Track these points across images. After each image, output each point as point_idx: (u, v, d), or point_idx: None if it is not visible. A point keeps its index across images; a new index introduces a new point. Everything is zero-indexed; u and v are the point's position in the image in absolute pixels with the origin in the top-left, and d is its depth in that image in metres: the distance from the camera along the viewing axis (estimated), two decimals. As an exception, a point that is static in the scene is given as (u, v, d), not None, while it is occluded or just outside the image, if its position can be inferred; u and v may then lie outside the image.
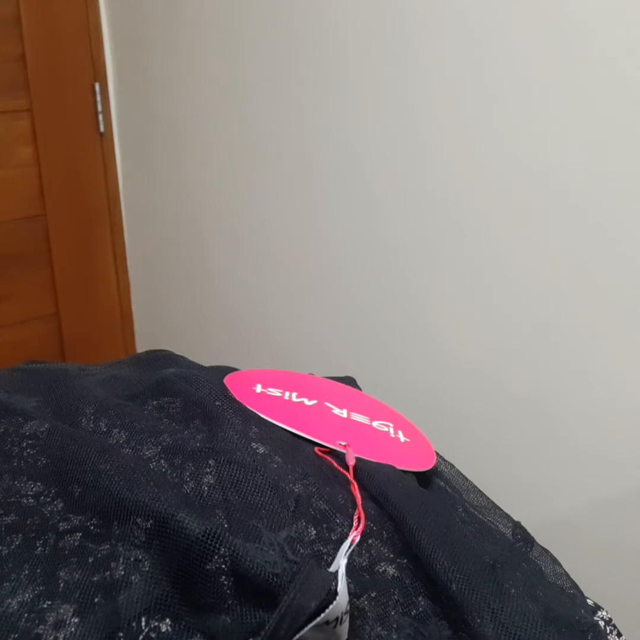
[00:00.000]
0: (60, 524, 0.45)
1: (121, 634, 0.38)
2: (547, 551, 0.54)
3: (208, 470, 0.48)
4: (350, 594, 0.41)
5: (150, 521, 0.43)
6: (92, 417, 0.55)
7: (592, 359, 0.78)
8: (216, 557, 0.40)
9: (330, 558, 0.45)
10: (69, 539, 0.44)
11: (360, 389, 0.71)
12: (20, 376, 0.63)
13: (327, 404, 0.63)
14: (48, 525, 0.45)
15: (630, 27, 0.67)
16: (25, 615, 0.39)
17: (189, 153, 1.25)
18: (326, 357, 1.10)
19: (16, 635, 0.38)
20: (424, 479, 0.57)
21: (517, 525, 0.55)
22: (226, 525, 0.44)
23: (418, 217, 0.91)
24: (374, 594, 0.44)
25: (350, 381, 0.72)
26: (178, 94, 1.23)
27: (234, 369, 0.67)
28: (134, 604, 0.40)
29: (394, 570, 0.45)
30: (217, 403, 0.57)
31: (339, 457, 0.55)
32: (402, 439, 0.61)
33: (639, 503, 0.79)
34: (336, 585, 0.39)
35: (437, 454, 0.62)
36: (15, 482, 0.48)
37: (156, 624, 0.39)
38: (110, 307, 1.52)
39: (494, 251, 0.84)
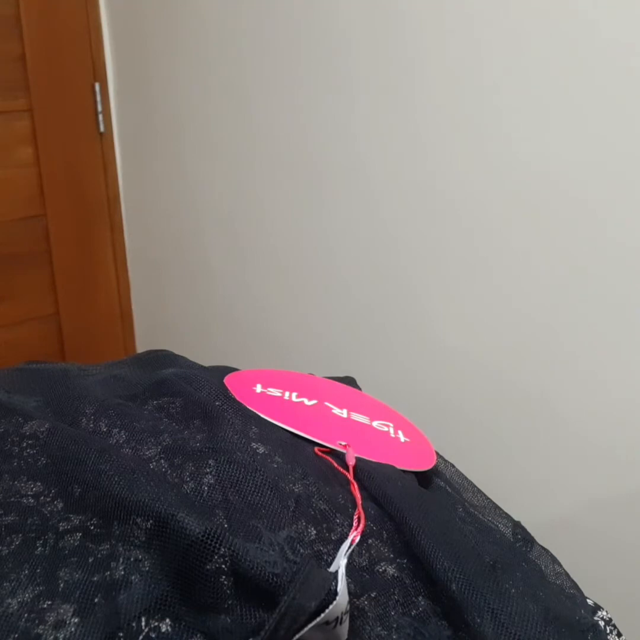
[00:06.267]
0: (60, 524, 0.45)
1: (121, 634, 0.38)
2: (547, 551, 0.54)
3: (208, 470, 0.48)
4: (350, 594, 0.41)
5: (150, 521, 0.43)
6: (92, 417, 0.55)
7: (597, 358, 0.78)
8: (216, 557, 0.40)
9: (330, 558, 0.45)
10: (69, 539, 0.44)
11: (360, 389, 0.71)
12: (20, 376, 0.63)
13: (327, 404, 0.63)
14: (48, 525, 0.45)
15: (635, 23, 0.67)
16: (25, 615, 0.39)
17: (189, 153, 1.25)
18: (326, 357, 1.10)
19: (16, 635, 0.38)
20: (424, 478, 0.57)
21: (517, 525, 0.55)
22: (226, 525, 0.44)
23: (420, 215, 0.91)
24: (374, 594, 0.44)
25: (350, 381, 0.72)
26: (178, 93, 1.23)
27: (234, 369, 0.67)
28: (134, 604, 0.40)
29: (394, 570, 0.45)
30: (217, 403, 0.57)
31: (339, 457, 0.55)
32: (402, 439, 0.61)
33: None
34: (336, 585, 0.39)
35: (437, 453, 0.62)
36: (15, 482, 0.48)
37: (156, 624, 0.39)
38: (110, 307, 1.52)
39: (498, 249, 0.84)
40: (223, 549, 0.40)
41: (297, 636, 0.37)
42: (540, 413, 0.85)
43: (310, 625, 0.37)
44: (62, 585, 0.41)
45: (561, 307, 0.79)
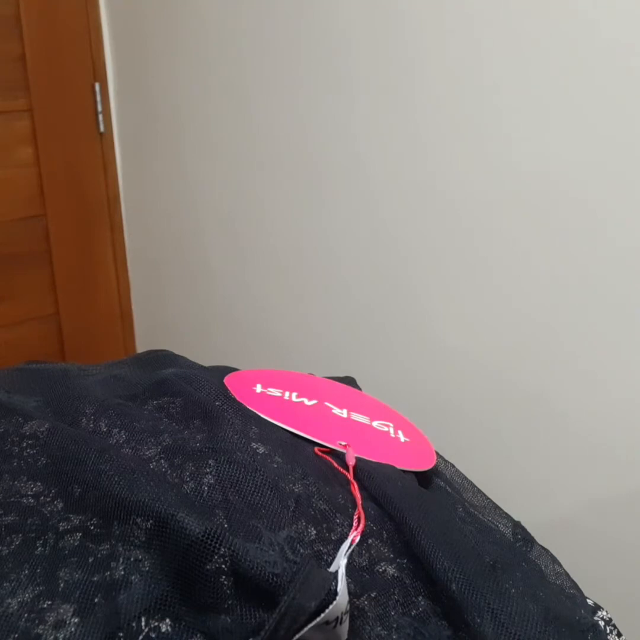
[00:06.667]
0: (60, 524, 0.45)
1: (121, 634, 0.38)
2: (547, 551, 0.54)
3: (208, 470, 0.48)
4: (350, 594, 0.41)
5: (150, 521, 0.43)
6: (92, 417, 0.55)
7: (597, 358, 0.78)
8: (216, 557, 0.40)
9: (330, 558, 0.45)
10: (69, 539, 0.44)
11: (360, 389, 0.71)
12: (20, 376, 0.63)
13: (327, 404, 0.63)
14: (48, 525, 0.45)
15: (635, 23, 0.67)
16: (25, 615, 0.39)
17: (189, 153, 1.25)
18: (326, 357, 1.10)
19: (16, 635, 0.38)
20: (424, 478, 0.57)
21: (517, 525, 0.55)
22: (226, 525, 0.44)
23: (420, 216, 0.91)
24: (374, 594, 0.44)
25: (350, 381, 0.72)
26: (178, 93, 1.23)
27: (234, 369, 0.67)
28: (134, 604, 0.40)
29: (394, 570, 0.45)
30: (217, 403, 0.57)
31: (339, 457, 0.55)
32: (402, 438, 0.61)
33: None
34: (336, 585, 0.39)
35: (437, 453, 0.62)
36: (15, 482, 0.48)
37: (156, 624, 0.39)
38: (110, 307, 1.52)
39: (498, 249, 0.84)
40: (223, 549, 0.40)
41: (297, 636, 0.37)
42: (540, 413, 0.85)
43: (310, 625, 0.37)
44: (62, 585, 0.41)
45: (561, 307, 0.79)
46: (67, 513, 0.46)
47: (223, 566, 0.40)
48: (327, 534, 0.46)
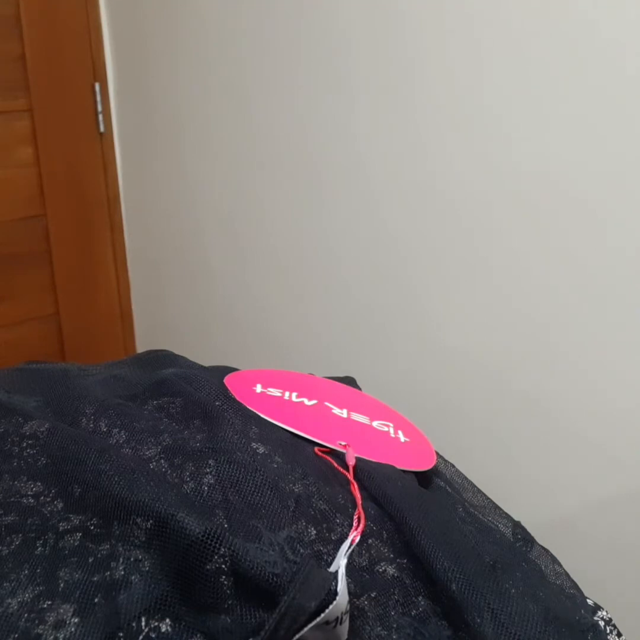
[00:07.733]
0: (60, 524, 0.45)
1: (121, 634, 0.38)
2: (547, 551, 0.54)
3: (208, 470, 0.48)
4: (350, 594, 0.41)
5: (150, 521, 0.43)
6: (92, 417, 0.55)
7: (597, 358, 0.78)
8: (216, 557, 0.40)
9: (330, 558, 0.45)
10: (69, 539, 0.44)
11: (360, 389, 0.71)
12: (20, 376, 0.63)
13: (327, 404, 0.63)
14: (48, 525, 0.45)
15: (635, 23, 0.67)
16: (25, 615, 0.39)
17: (189, 153, 1.25)
18: (326, 357, 1.10)
19: (16, 635, 0.38)
20: (424, 478, 0.57)
21: (517, 525, 0.55)
22: (226, 525, 0.44)
23: (420, 216, 0.91)
24: (374, 594, 0.44)
25: (350, 381, 0.72)
26: (178, 93, 1.23)
27: (234, 369, 0.67)
28: (134, 604, 0.40)
29: (394, 570, 0.45)
30: (217, 403, 0.57)
31: (339, 457, 0.55)
32: (402, 439, 0.61)
33: None
34: (336, 585, 0.39)
35: (437, 453, 0.62)
36: (15, 482, 0.48)
37: (156, 624, 0.39)
38: (110, 307, 1.52)
39: (498, 249, 0.84)
40: (223, 549, 0.40)
41: (297, 636, 0.37)
42: (540, 413, 0.85)
43: (310, 625, 0.37)
44: (62, 585, 0.41)
45: (561, 307, 0.79)
46: (67, 513, 0.46)
47: (223, 566, 0.40)
48: (327, 534, 0.46)
